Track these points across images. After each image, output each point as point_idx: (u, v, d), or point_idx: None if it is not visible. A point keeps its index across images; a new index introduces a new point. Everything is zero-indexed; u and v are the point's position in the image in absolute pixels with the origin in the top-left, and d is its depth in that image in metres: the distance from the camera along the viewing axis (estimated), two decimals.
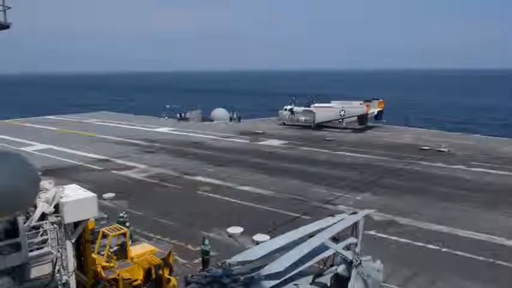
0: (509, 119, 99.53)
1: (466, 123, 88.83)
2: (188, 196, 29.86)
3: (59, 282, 12.32)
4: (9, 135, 55.68)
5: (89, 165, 39.24)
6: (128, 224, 20.49)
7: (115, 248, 15.54)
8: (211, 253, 18.83)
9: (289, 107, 65.58)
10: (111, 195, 29.02)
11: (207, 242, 18.88)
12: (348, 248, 13.57)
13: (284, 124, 65.27)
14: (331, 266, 13.99)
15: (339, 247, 13.13)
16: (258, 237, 21.64)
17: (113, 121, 71.55)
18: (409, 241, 21.87)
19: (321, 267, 14.06)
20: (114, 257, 15.09)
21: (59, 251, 12.25)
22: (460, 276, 18.30)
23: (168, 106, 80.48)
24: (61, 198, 12.28)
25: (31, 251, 11.52)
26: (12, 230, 10.96)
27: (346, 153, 43.86)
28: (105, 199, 27.90)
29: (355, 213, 15.17)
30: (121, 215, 21.65)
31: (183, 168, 37.62)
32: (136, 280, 14.77)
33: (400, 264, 18.93)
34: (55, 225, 12.11)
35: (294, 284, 12.17)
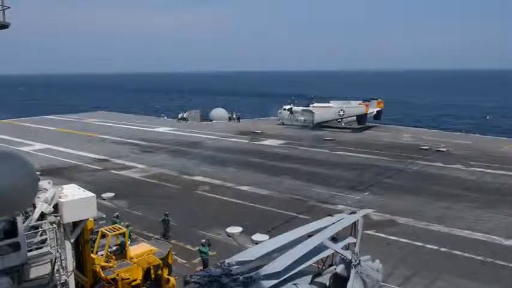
0: (509, 119, 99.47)
1: (465, 123, 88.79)
2: (187, 196, 29.86)
3: (58, 282, 12.31)
4: (8, 135, 55.69)
5: (88, 165, 39.24)
6: (127, 223, 20.44)
7: (114, 248, 15.54)
8: (210, 253, 18.84)
9: (288, 106, 65.60)
10: (111, 195, 29.03)
11: (203, 241, 18.87)
12: (347, 247, 13.57)
13: (283, 124, 65.28)
14: (330, 265, 13.98)
15: (338, 247, 13.11)
16: (257, 237, 21.68)
17: (112, 121, 71.51)
18: (408, 241, 21.89)
19: (320, 267, 14.06)
20: (113, 257, 15.09)
21: (58, 251, 12.24)
22: (459, 276, 18.32)
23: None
24: (60, 198, 12.26)
25: (30, 250, 11.50)
26: (11, 230, 10.94)
27: (345, 153, 43.88)
28: (104, 199, 27.90)
29: (354, 212, 15.18)
30: (115, 214, 21.55)
31: (182, 168, 37.61)
32: (135, 280, 14.76)
33: (399, 264, 18.96)
34: (54, 225, 12.10)
35: (293, 284, 12.14)
